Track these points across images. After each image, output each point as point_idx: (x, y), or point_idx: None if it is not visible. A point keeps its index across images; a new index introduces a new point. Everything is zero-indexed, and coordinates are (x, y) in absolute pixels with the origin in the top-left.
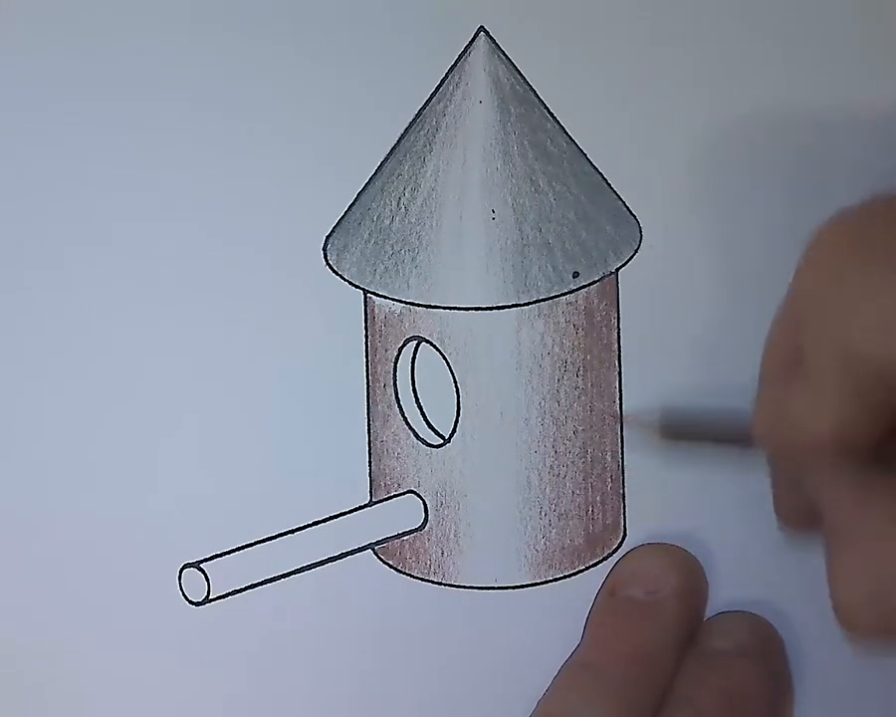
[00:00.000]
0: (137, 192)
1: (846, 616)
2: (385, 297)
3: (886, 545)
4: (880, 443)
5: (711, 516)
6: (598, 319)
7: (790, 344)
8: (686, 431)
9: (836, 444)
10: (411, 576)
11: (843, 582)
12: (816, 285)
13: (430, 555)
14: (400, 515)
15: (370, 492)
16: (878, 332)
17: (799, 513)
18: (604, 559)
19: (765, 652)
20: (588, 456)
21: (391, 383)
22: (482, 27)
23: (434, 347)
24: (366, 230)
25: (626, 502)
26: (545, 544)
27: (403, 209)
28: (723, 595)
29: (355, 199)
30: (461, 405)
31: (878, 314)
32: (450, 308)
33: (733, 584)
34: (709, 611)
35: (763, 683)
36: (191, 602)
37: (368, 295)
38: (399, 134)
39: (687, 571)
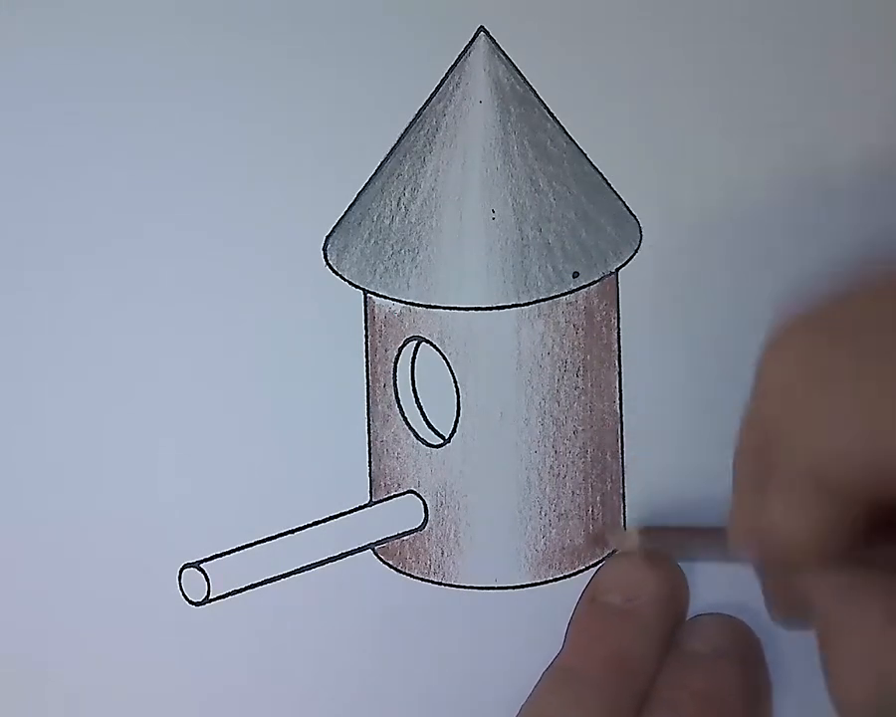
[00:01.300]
0: (137, 192)
1: (847, 712)
2: (385, 297)
3: (880, 642)
4: (862, 541)
5: (711, 516)
6: (598, 319)
7: (759, 450)
8: (667, 544)
9: (815, 551)
10: (411, 576)
11: (843, 682)
12: (779, 397)
13: (430, 555)
14: (400, 515)
15: (370, 492)
16: (846, 445)
17: (791, 611)
18: (604, 559)
19: (742, 654)
20: (588, 456)
21: (391, 383)
22: (482, 27)
23: (434, 347)
24: (366, 230)
25: (626, 502)
26: (545, 544)
27: (403, 209)
28: (719, 593)
29: (355, 199)
30: (461, 405)
31: (844, 427)
32: (450, 308)
33: (731, 583)
34: (703, 611)
35: (741, 684)
36: (191, 602)
37: (368, 295)
38: (399, 134)
39: (666, 576)
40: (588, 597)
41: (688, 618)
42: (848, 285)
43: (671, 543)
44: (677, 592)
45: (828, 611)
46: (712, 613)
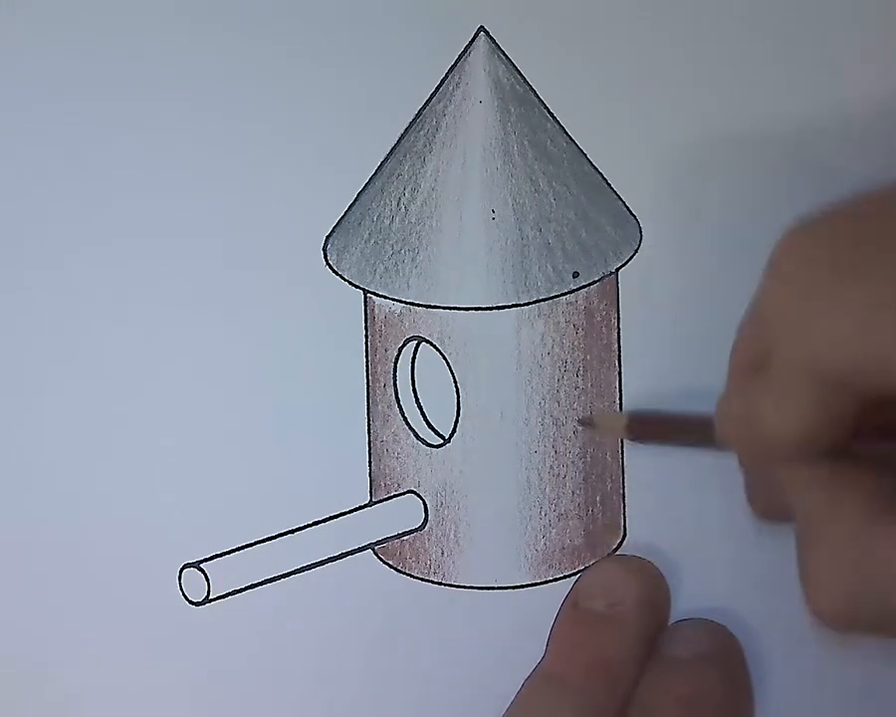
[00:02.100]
0: (137, 193)
1: (823, 613)
2: (385, 297)
3: (858, 541)
4: (846, 444)
5: (711, 516)
6: (598, 319)
7: (757, 346)
8: (653, 433)
9: (802, 448)
10: (411, 576)
11: (818, 579)
12: (783, 293)
13: (430, 555)
14: (400, 515)
15: (370, 492)
16: (843, 341)
17: (771, 507)
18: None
19: (723, 657)
20: (588, 456)
21: (391, 383)
22: (482, 27)
23: (434, 347)
24: (366, 230)
25: (626, 502)
26: (545, 544)
27: (403, 209)
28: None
29: (355, 199)
30: (461, 405)
31: (843, 324)
32: (450, 308)
33: (724, 586)
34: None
35: (722, 688)
36: (191, 602)
37: (368, 295)
38: (399, 134)
39: (648, 582)
40: (571, 602)
41: (670, 624)
42: (857, 199)
43: (659, 430)
44: (658, 597)
45: (809, 507)
46: (693, 619)
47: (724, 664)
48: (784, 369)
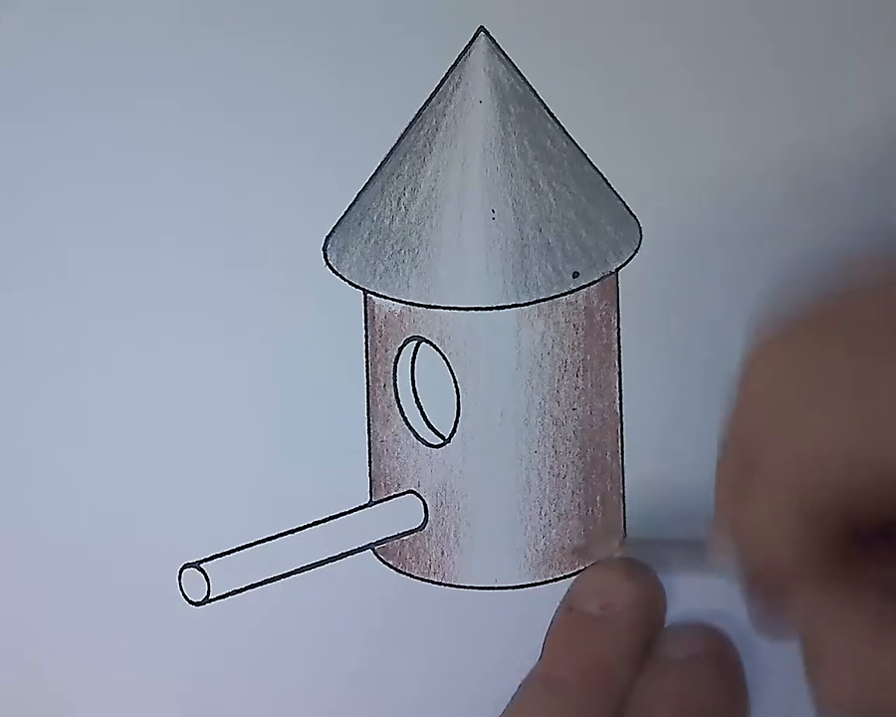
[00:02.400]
0: (136, 193)
1: None
2: (385, 297)
3: (867, 654)
4: (843, 555)
5: (711, 516)
6: (598, 319)
7: (743, 455)
8: (651, 557)
9: (797, 560)
10: (411, 576)
11: (827, 693)
12: (758, 410)
13: (430, 555)
14: (400, 515)
15: (370, 492)
16: (831, 460)
17: (775, 621)
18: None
19: (718, 659)
20: (588, 456)
21: (391, 383)
22: (482, 27)
23: (434, 347)
24: (366, 230)
25: (626, 502)
26: (545, 544)
27: (403, 209)
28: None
29: (355, 199)
30: (461, 405)
31: (830, 440)
32: (450, 308)
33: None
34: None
35: (717, 688)
36: (191, 602)
37: (368, 295)
38: (399, 134)
39: (641, 583)
40: (565, 606)
41: (666, 627)
42: (834, 285)
43: (654, 556)
44: (653, 599)
45: (813, 624)
46: (688, 622)
47: (719, 665)
48: (767, 489)
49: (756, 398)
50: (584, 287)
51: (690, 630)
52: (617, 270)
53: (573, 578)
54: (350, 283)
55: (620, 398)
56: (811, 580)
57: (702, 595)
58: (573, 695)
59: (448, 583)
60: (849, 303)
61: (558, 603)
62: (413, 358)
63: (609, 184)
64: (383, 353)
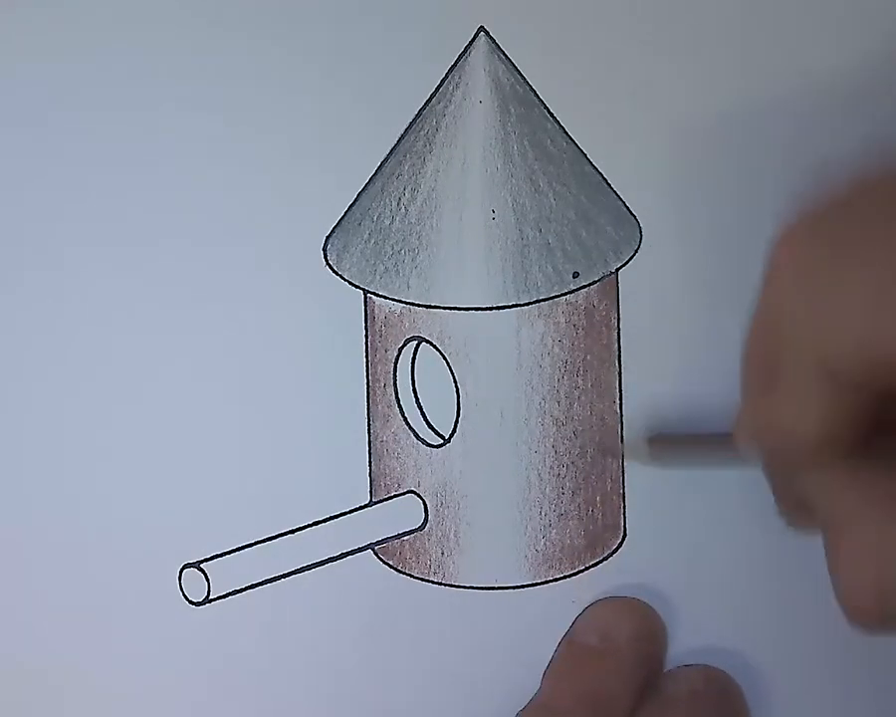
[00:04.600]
0: (137, 194)
1: (852, 606)
2: (385, 297)
3: (885, 530)
4: (866, 436)
5: (711, 515)
6: (598, 319)
7: (767, 350)
8: (675, 452)
9: (822, 446)
10: (411, 576)
11: (847, 573)
12: (785, 293)
13: (430, 555)
14: (400, 515)
15: (370, 492)
16: (852, 335)
17: (800, 511)
18: (604, 559)
19: (720, 696)
20: (588, 456)
21: (391, 383)
22: (482, 27)
23: (434, 347)
24: (366, 230)
25: (626, 502)
26: (545, 544)
27: (403, 209)
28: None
29: (355, 199)
30: (461, 405)
31: (850, 317)
32: (450, 308)
33: (724, 586)
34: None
35: None
36: (191, 602)
37: (368, 295)
38: (399, 134)
39: (641, 618)
40: (567, 639)
41: (670, 668)
42: (850, 186)
43: (680, 450)
44: (653, 631)
45: (832, 506)
46: (694, 664)
47: (720, 703)
48: (795, 369)
49: (780, 281)
50: (584, 287)
51: (691, 671)
52: (617, 270)
53: (573, 578)
54: (351, 283)
55: (620, 398)
56: (837, 464)
57: (707, 592)
58: None
59: (448, 583)
60: (859, 197)
61: (557, 604)
62: (413, 359)
63: (609, 184)
64: (383, 353)
